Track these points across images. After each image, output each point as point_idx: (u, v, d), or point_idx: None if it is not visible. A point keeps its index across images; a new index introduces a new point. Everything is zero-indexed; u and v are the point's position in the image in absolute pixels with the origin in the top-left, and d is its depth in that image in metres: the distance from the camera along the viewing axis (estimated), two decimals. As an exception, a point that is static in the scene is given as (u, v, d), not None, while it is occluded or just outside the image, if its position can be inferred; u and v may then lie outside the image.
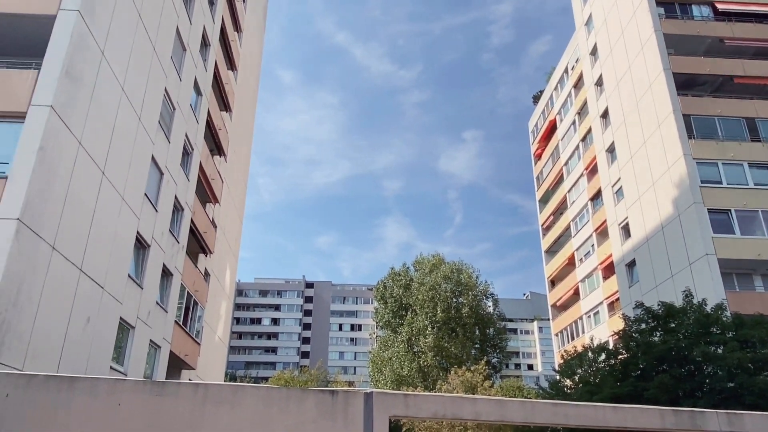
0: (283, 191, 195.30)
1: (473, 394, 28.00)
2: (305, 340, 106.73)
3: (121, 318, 16.42)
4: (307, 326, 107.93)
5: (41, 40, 12.98)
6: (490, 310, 46.23)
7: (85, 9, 13.54)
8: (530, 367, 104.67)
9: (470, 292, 42.99)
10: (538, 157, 50.67)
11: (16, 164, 11.75)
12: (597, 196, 38.13)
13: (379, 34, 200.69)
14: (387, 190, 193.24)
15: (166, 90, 19.42)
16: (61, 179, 12.82)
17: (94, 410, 6.23)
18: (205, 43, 24.41)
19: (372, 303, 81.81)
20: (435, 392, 31.78)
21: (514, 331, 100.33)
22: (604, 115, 37.02)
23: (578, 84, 42.39)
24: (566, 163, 43.98)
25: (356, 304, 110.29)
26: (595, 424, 5.75)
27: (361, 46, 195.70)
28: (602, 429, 5.27)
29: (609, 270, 35.72)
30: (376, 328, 48.79)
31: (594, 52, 39.13)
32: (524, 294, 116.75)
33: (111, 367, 15.82)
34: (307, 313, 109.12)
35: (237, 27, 31.05)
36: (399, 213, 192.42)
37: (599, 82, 38.02)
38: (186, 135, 22.04)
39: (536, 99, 53.55)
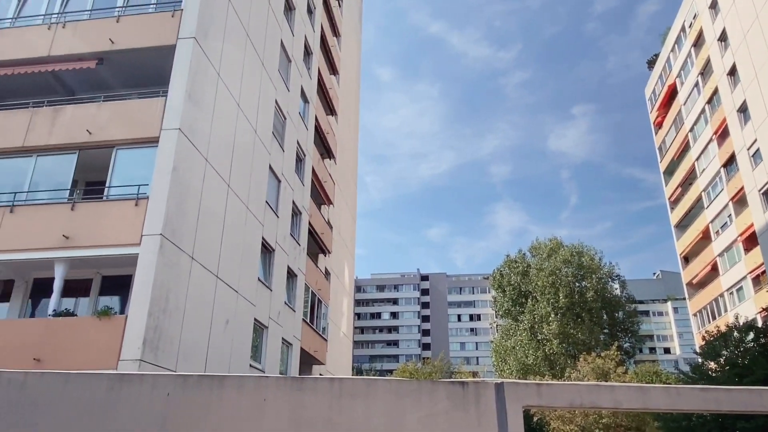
0: (390, 187, 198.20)
1: (606, 381, 26.74)
2: (425, 332, 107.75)
3: (255, 319, 17.58)
4: (425, 318, 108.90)
5: (165, 69, 14.21)
6: (617, 292, 43.85)
7: (200, 35, 14.60)
8: (667, 350, 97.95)
9: (594, 275, 41.06)
10: (659, 125, 47.13)
11: (154, 185, 12.96)
12: (730, 162, 34.77)
13: (475, 18, 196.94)
14: (495, 177, 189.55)
15: (276, 101, 20.45)
16: (193, 195, 13.96)
17: (242, 406, 6.76)
18: (307, 52, 25.37)
19: (489, 292, 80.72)
20: (563, 380, 30.73)
21: (646, 313, 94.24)
22: (732, 72, 33.63)
23: (698, 42, 38.86)
24: (691, 129, 40.52)
25: (473, 294, 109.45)
26: (753, 409, 5.28)
27: (456, 33, 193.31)
28: (759, 414, 4.83)
29: (751, 241, 32.46)
30: (496, 317, 48.10)
31: (714, 5, 35.66)
32: (654, 273, 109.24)
33: (250, 365, 16.99)
34: (425, 305, 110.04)
35: (335, 32, 31.93)
36: (509, 198, 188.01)
37: (723, 37, 34.59)
38: (297, 142, 23.08)
39: (651, 64, 49.83)
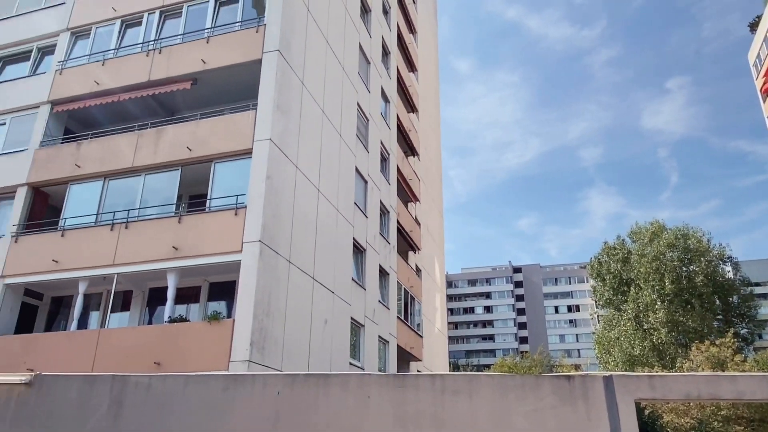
0: (475, 180, 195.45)
1: (722, 370, 24.91)
2: (521, 326, 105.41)
3: (351, 318, 17.99)
4: (520, 311, 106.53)
5: (253, 83, 14.86)
6: (730, 275, 40.68)
7: (283, 48, 15.14)
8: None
9: (702, 258, 38.36)
10: (767, 92, 43.20)
11: (250, 194, 13.60)
12: None
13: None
14: (585, 161, 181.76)
15: (358, 104, 20.80)
16: (286, 201, 14.51)
17: (347, 403, 6.95)
18: (385, 52, 25.58)
19: (587, 281, 77.54)
20: (675, 371, 28.94)
21: (765, 296, 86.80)
22: None
23: (810, -4, 35.18)
24: (807, 93, 36.80)
25: (569, 284, 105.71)
26: None
27: (535, 16, 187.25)
28: None
29: None
30: (596, 307, 46.13)
31: (827, -48, 32.16)
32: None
33: (350, 363, 17.41)
34: (519, 298, 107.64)
35: (411, 29, 31.96)
36: (602, 182, 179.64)
37: (840, -13, 31.10)
38: (381, 142, 23.34)
39: (753, 27, 45.74)
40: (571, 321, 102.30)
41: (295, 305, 14.27)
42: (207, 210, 14.07)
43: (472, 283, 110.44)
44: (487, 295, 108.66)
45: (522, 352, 79.27)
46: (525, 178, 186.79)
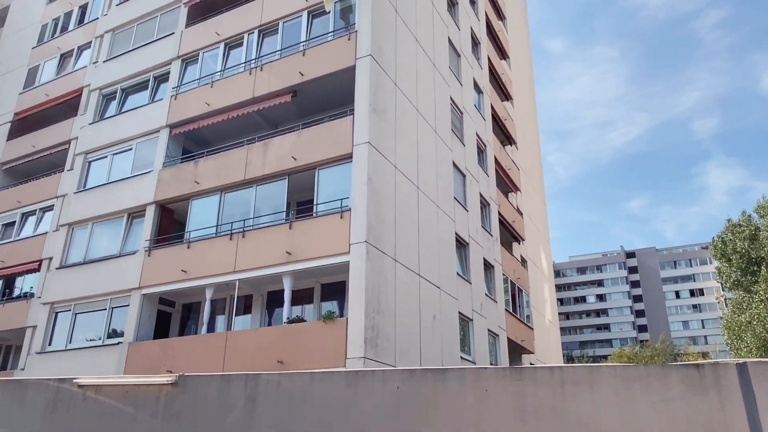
0: (578, 163, 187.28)
1: None
2: (638, 313, 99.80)
3: (459, 312, 18.05)
4: (637, 298, 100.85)
5: (349, 89, 15.35)
6: None
7: (375, 52, 15.50)
8: None
9: None
10: None
11: (353, 197, 14.08)
12: None
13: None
14: (699, 133, 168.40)
15: (451, 98, 20.78)
16: (387, 201, 14.86)
17: (465, 397, 7.06)
18: (475, 43, 25.31)
19: (710, 263, 71.84)
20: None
21: None
22: None
23: None
24: None
25: (690, 266, 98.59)
26: None
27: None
28: None
29: None
30: (723, 290, 42.70)
31: None
32: None
33: (461, 357, 17.48)
34: (634, 284, 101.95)
35: (500, 15, 31.35)
36: (721, 155, 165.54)
37: None
38: (477, 134, 23.14)
39: None
40: (694, 306, 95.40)
41: (403, 302, 14.58)
42: (314, 215, 14.74)
43: (582, 271, 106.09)
44: (599, 283, 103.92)
45: (641, 341, 75.04)
46: (632, 156, 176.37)
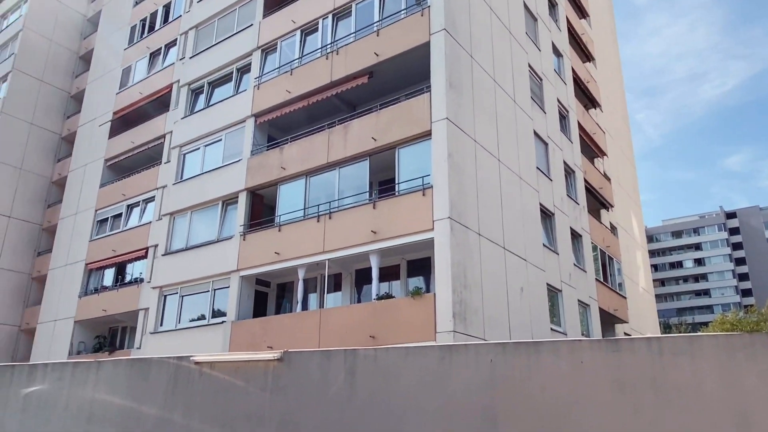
0: (668, 120, 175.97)
1: None
2: (742, 277, 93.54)
3: (547, 284, 17.84)
4: (739, 261, 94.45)
5: (425, 65, 15.35)
6: None
7: (449, 25, 15.36)
8: None
9: None
10: None
11: (434, 174, 14.18)
12: None
13: None
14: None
15: (529, 65, 20.23)
16: (469, 176, 14.84)
17: (559, 368, 7.11)
18: (551, 4, 24.35)
19: (825, 220, 65.82)
20: None
21: None
22: None
23: None
24: None
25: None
26: None
27: None
28: None
29: None
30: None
31: None
32: None
33: (551, 329, 17.33)
34: (736, 246, 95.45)
35: (577, -27, 29.86)
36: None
37: None
38: (558, 100, 22.43)
39: None
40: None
41: (489, 276, 14.63)
42: (396, 194, 15.00)
43: (677, 235, 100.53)
44: (697, 247, 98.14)
45: (746, 306, 70.48)
46: (729, 109, 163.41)
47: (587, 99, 26.77)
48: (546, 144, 20.40)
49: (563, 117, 23.01)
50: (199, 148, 20.80)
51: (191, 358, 8.83)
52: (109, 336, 25.48)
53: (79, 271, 25.87)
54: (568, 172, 22.23)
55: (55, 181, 30.69)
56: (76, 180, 28.67)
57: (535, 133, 19.63)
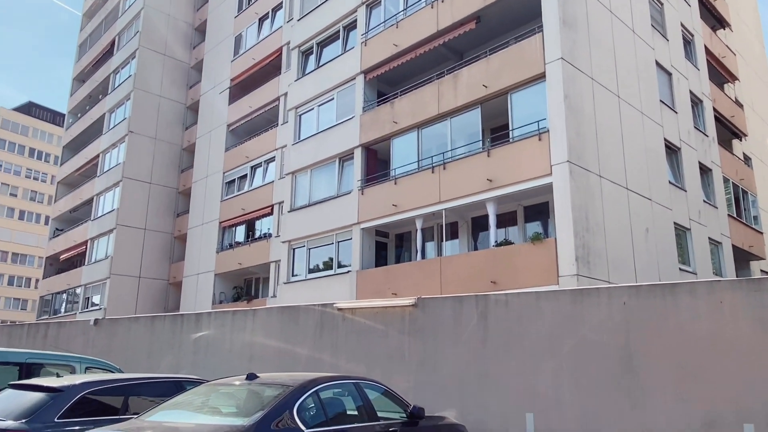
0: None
1: None
2: None
3: (674, 223, 17.10)
4: None
5: (534, 3, 14.86)
6: None
7: (559, -42, 14.64)
8: None
9: None
10: None
11: (550, 117, 13.93)
12: None
13: None
14: None
15: (648, -10, 18.79)
16: (587, 116, 14.41)
17: (697, 309, 7.12)
18: None
19: None
20: None
21: None
22: None
23: None
24: None
25: None
26: None
27: None
28: None
29: None
30: None
31: None
32: None
33: (680, 269, 16.72)
34: None
35: None
36: None
37: None
38: (681, 24, 20.72)
39: None
40: None
41: (612, 217, 14.34)
42: (511, 140, 14.94)
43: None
44: None
45: None
46: None
47: (714, 19, 24.41)
48: (669, 74, 19.08)
49: (688, 42, 21.27)
50: (313, 109, 21.72)
51: (334, 305, 9.75)
52: (245, 286, 28.00)
53: (214, 229, 28.42)
54: (695, 102, 20.71)
55: (186, 148, 33.44)
56: (203, 145, 31.09)
57: (657, 64, 18.41)
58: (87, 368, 8.10)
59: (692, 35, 21.48)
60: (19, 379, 7.26)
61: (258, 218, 26.57)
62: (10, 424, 5.39)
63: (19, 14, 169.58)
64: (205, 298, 27.67)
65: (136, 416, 5.10)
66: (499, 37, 16.88)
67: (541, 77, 14.35)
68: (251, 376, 5.18)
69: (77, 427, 5.59)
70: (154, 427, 4.43)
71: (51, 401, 5.63)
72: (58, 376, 6.52)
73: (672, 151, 18.24)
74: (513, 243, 14.90)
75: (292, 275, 20.65)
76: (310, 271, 20.04)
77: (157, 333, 12.07)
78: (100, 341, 12.68)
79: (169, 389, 6.35)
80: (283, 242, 21.31)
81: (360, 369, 9.16)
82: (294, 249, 20.88)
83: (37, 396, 5.74)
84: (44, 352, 8.09)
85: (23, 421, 5.38)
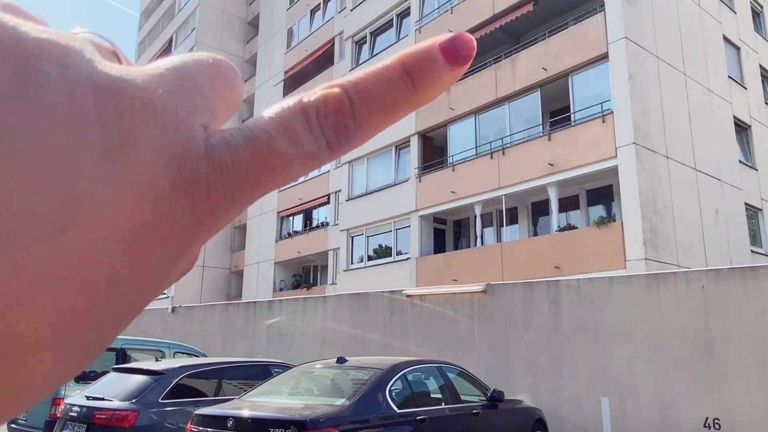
0: None
1: None
2: None
3: (745, 203, 16.49)
4: None
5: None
6: None
7: (620, -66, 14.21)
8: None
9: None
10: None
11: (615, 98, 13.64)
12: None
13: None
14: None
15: (714, -39, 17.98)
16: (653, 96, 14.03)
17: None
18: None
19: None
20: None
21: None
22: None
23: None
24: None
25: None
26: None
27: None
28: None
29: None
30: None
31: None
32: None
33: (752, 251, 16.13)
34: None
35: None
36: None
37: None
38: (750, -5, 19.75)
39: None
40: None
41: (681, 199, 13.97)
42: (573, 123, 14.71)
43: None
44: None
45: None
46: None
47: (787, -13, 23.07)
48: (738, 48, 18.27)
49: (757, 14, 20.26)
50: (368, 98, 21.91)
51: (402, 292, 9.99)
52: (304, 274, 28.69)
53: (273, 218, 29.18)
54: (766, 76, 19.75)
55: (242, 141, 34.26)
56: (259, 138, 31.80)
57: (725, 38, 17.65)
58: (175, 353, 8.64)
59: (761, 6, 20.44)
60: (116, 363, 7.82)
61: (315, 207, 27.11)
62: (121, 404, 5.87)
63: (78, 16, 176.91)
64: (266, 286, 28.52)
65: (237, 398, 5.45)
66: (556, 19, 16.55)
67: (604, 57, 14.04)
68: (341, 360, 5.45)
69: (178, 407, 6.04)
70: (260, 407, 4.76)
71: (154, 383, 6.09)
72: (157, 360, 7.01)
73: (742, 128, 17.52)
74: (576, 227, 14.73)
75: (351, 263, 21.04)
76: (369, 258, 20.37)
77: (231, 319, 12.64)
78: (178, 327, 13.39)
79: (257, 373, 6.74)
80: (341, 231, 21.72)
81: (430, 354, 9.36)
82: (353, 237, 21.25)
83: (141, 378, 6.21)
84: (137, 338, 8.66)
85: (133, 401, 5.84)
